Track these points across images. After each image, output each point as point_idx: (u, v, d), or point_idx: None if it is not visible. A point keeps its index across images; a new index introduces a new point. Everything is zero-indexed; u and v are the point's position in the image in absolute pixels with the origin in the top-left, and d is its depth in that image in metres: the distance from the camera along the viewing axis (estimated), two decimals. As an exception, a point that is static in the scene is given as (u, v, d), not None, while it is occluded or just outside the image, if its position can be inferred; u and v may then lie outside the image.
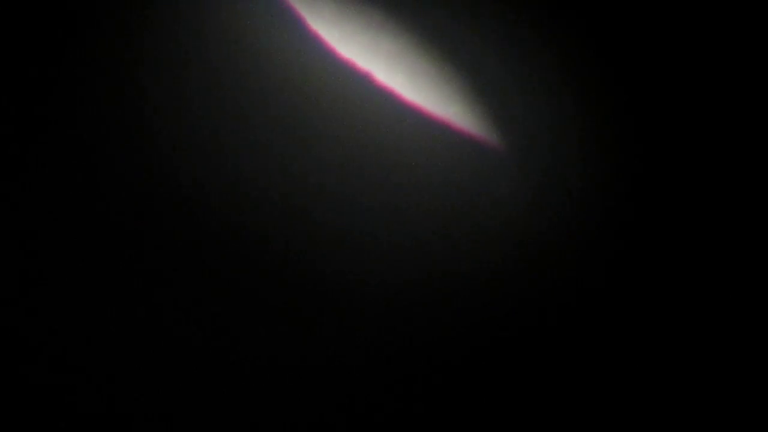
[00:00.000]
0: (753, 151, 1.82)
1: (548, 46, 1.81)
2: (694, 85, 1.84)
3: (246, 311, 1.74)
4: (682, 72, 1.84)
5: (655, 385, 1.78)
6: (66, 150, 1.74)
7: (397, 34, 1.78)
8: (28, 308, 1.73)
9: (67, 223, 1.74)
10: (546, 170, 1.79)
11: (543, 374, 1.77)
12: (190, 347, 1.73)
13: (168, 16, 1.76)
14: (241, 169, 1.75)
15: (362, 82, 1.76)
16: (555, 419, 1.76)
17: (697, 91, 1.83)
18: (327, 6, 1.76)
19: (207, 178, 1.74)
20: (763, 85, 1.82)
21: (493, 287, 1.77)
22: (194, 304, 1.73)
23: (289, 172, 1.75)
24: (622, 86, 1.82)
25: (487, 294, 1.77)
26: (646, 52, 1.83)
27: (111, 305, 1.73)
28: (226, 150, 1.75)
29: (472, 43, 1.80)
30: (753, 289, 1.80)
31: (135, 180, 1.74)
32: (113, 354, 1.73)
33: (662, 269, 1.80)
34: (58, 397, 1.72)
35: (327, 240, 1.75)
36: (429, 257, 1.77)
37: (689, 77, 1.84)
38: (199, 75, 1.75)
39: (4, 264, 1.73)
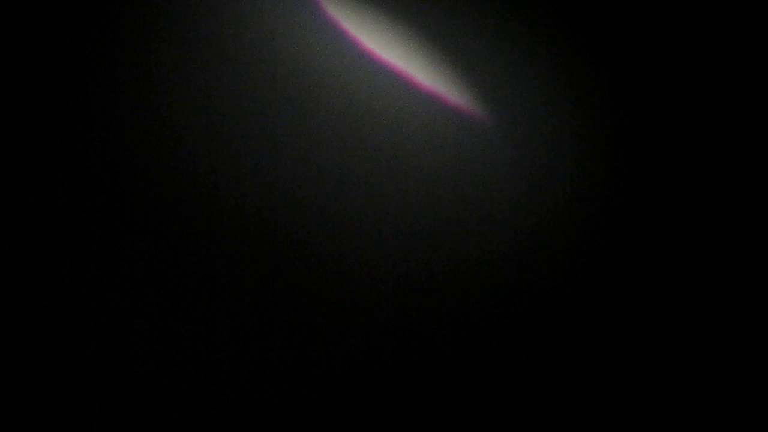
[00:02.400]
0: (749, 151, 1.83)
1: (548, 42, 1.82)
2: (686, 72, 1.85)
3: (252, 302, 1.74)
4: (674, 57, 1.85)
5: (654, 367, 1.79)
6: (83, 147, 1.74)
7: (410, 22, 1.78)
8: (31, 307, 1.72)
9: (82, 218, 1.74)
10: (544, 157, 1.80)
11: (548, 359, 1.78)
12: (197, 336, 1.73)
13: (187, 7, 1.76)
14: (246, 156, 1.75)
15: (376, 67, 1.77)
16: (564, 394, 1.78)
17: (691, 80, 1.85)
18: None
19: (218, 170, 1.74)
20: (761, 86, 1.84)
21: (491, 273, 1.78)
22: (200, 295, 1.73)
23: (295, 160, 1.76)
24: (619, 81, 1.83)
25: (485, 280, 1.77)
26: (642, 43, 1.84)
27: (121, 297, 1.73)
28: (238, 140, 1.75)
29: (476, 35, 1.81)
30: (750, 285, 1.81)
31: (146, 173, 1.74)
32: (129, 344, 1.73)
33: (658, 252, 1.81)
34: (58, 396, 1.71)
35: (332, 230, 1.76)
36: (429, 246, 1.77)
37: (681, 65, 1.85)
38: (213, 64, 1.75)
39: (13, 261, 1.72)
